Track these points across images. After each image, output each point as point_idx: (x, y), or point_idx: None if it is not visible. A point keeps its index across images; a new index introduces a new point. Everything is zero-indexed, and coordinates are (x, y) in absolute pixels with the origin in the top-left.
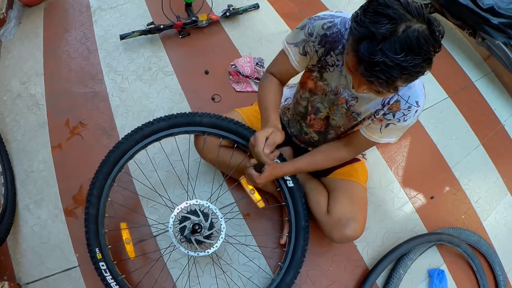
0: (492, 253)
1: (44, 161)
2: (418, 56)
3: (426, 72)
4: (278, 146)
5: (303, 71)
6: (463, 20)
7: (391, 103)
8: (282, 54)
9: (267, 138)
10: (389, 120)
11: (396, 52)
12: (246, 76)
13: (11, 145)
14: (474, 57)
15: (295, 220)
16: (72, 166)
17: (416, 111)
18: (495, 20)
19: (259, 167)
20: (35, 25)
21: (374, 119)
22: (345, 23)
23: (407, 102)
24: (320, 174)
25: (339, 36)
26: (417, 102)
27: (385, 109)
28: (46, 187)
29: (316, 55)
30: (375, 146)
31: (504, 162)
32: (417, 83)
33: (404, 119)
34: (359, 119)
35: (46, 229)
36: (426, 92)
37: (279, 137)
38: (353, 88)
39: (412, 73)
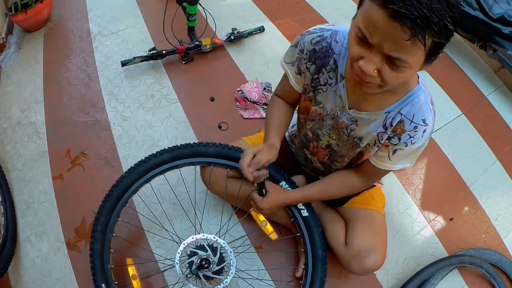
0: None
1: (45, 192)
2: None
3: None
4: (291, 174)
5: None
6: (473, 32)
7: (394, 124)
8: (284, 74)
9: (255, 155)
10: (395, 145)
11: None
12: (254, 102)
13: (11, 174)
14: (485, 70)
15: (312, 251)
16: (74, 197)
17: (425, 130)
18: (506, 30)
19: (261, 190)
20: (35, 50)
21: (380, 145)
22: (335, 36)
23: (411, 121)
24: (335, 204)
25: (329, 51)
26: (423, 120)
27: (388, 132)
28: (48, 219)
29: (308, 73)
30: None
31: None
32: (422, 99)
33: (411, 141)
34: (361, 145)
35: (47, 262)
36: (439, 110)
37: (264, 155)
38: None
39: (438, 30)
